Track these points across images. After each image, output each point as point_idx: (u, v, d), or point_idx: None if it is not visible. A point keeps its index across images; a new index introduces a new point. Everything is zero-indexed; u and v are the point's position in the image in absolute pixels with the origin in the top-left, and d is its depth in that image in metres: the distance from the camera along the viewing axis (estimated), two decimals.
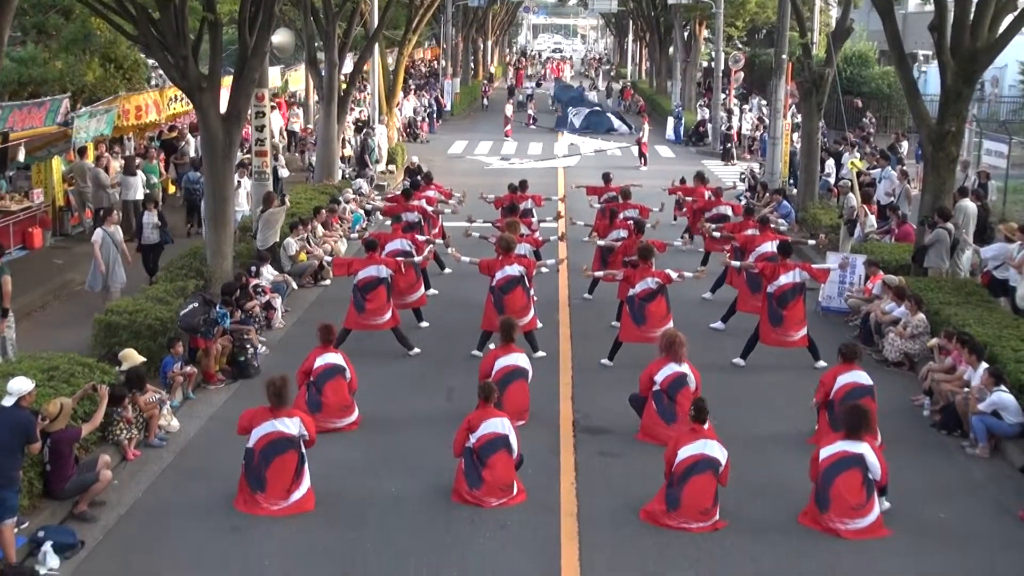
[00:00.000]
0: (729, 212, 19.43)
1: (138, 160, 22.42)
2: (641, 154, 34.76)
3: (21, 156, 19.22)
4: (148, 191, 20.83)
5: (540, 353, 14.38)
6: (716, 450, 9.74)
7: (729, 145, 36.87)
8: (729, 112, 38.78)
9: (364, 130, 30.81)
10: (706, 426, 9.88)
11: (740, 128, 38.13)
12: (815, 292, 16.64)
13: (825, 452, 9.71)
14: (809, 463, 9.92)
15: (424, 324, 15.85)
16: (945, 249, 16.27)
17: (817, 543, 9.47)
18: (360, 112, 35.48)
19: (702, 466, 9.66)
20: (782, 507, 10.15)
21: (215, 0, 16.50)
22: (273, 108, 27.29)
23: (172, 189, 25.16)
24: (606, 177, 21.95)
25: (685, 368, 11.63)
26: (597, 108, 48.03)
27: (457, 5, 54.82)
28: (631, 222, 16.96)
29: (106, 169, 21.30)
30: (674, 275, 14.02)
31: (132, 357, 12.11)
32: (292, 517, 9.79)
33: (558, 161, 35.61)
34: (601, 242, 17.00)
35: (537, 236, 17.34)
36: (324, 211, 20.95)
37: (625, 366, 14.06)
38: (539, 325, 15.04)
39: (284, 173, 25.58)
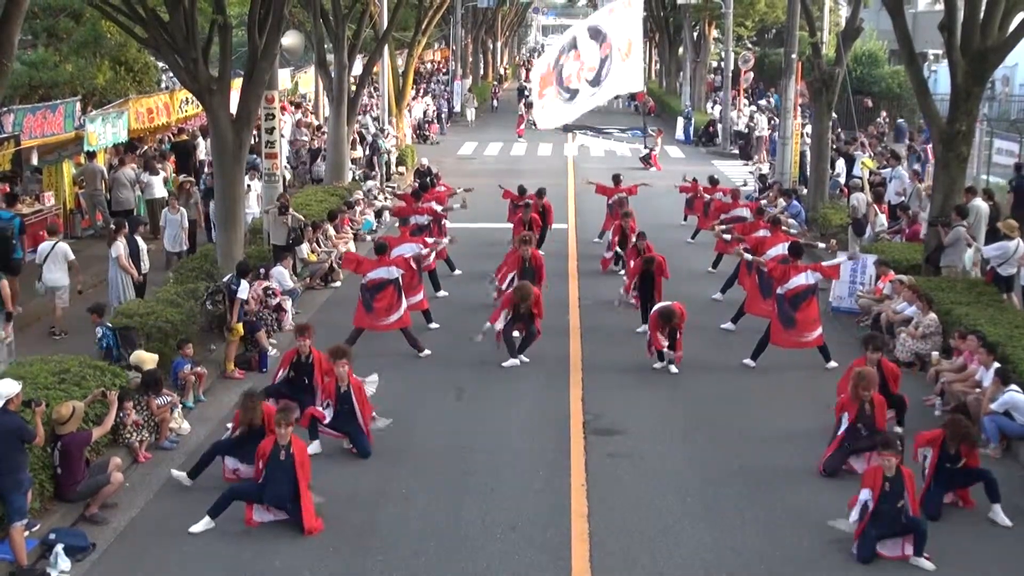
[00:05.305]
0: (747, 214, 19.30)
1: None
2: (648, 158, 34.48)
3: (35, 160, 19.29)
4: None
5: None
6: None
7: (753, 144, 36.75)
8: (757, 111, 38.67)
9: (367, 139, 30.80)
10: None
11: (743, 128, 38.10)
12: (826, 292, 16.59)
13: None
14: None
15: (434, 325, 15.84)
16: (963, 248, 16.24)
17: (829, 545, 9.43)
18: (359, 125, 35.27)
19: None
20: (793, 507, 10.12)
21: (225, 2, 16.55)
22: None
23: None
24: (616, 179, 22.02)
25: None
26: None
27: (467, 6, 54.83)
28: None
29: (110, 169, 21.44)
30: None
31: (145, 360, 12.13)
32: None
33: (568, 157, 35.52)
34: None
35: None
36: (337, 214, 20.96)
37: (635, 369, 14.09)
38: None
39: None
